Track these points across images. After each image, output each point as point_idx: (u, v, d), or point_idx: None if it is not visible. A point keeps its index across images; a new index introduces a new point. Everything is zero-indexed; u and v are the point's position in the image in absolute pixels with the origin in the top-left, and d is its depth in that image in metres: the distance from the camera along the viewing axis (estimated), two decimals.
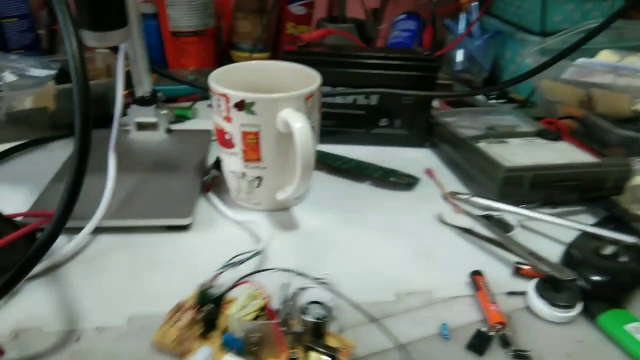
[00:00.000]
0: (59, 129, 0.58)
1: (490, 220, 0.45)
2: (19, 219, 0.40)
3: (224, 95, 0.41)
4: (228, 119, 0.42)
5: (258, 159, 0.43)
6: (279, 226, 0.45)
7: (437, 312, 0.36)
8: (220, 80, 0.43)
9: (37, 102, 0.55)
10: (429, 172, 0.55)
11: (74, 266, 0.39)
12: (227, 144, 0.44)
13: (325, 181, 0.53)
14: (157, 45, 0.81)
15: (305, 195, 0.50)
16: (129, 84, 0.53)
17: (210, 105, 0.45)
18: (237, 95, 0.41)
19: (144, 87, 0.54)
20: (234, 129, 0.42)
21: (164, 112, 0.56)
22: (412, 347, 0.33)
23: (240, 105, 0.41)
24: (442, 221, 0.46)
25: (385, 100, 0.58)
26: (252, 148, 0.43)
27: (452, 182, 0.53)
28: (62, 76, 0.60)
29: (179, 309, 0.33)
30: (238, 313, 0.30)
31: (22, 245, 0.35)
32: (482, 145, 0.52)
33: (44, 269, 0.38)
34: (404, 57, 0.57)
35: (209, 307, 0.32)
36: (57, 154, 0.53)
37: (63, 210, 0.31)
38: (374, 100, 0.58)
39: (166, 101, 0.63)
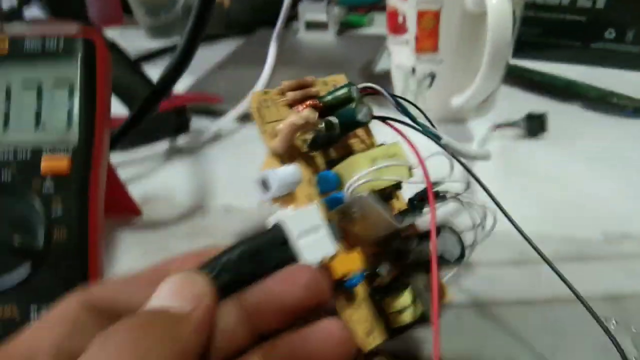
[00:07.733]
0: (232, 27, 0.57)
1: None
2: None
3: None
4: None
5: (434, 49, 0.35)
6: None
7: None
8: None
9: None
10: None
11: (216, 150, 0.37)
12: (399, 28, 0.36)
13: (517, 98, 0.42)
14: None
15: (489, 107, 0.40)
16: None
17: None
18: None
19: None
20: (410, 7, 0.34)
21: (336, 11, 0.51)
22: (623, 304, 0.23)
23: None
24: None
25: (618, 1, 0.44)
26: (428, 33, 0.34)
27: None
28: None
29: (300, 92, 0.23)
30: (361, 166, 0.20)
31: (174, 118, 0.38)
32: None
33: (186, 146, 0.38)
34: None
35: (333, 121, 0.21)
36: (227, 49, 0.53)
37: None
38: (601, 1, 0.44)
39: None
